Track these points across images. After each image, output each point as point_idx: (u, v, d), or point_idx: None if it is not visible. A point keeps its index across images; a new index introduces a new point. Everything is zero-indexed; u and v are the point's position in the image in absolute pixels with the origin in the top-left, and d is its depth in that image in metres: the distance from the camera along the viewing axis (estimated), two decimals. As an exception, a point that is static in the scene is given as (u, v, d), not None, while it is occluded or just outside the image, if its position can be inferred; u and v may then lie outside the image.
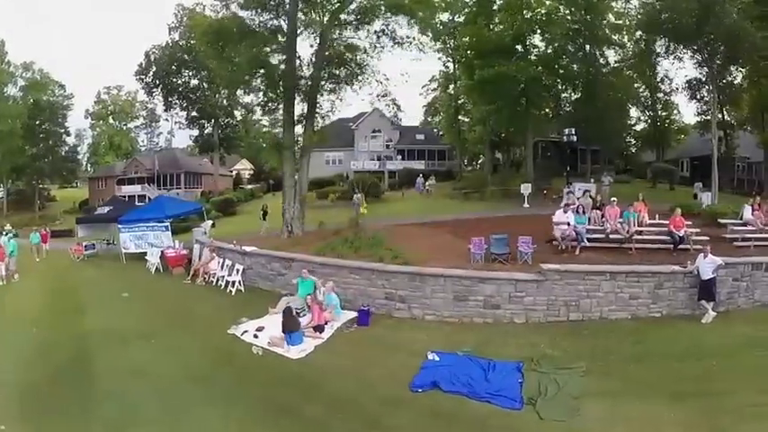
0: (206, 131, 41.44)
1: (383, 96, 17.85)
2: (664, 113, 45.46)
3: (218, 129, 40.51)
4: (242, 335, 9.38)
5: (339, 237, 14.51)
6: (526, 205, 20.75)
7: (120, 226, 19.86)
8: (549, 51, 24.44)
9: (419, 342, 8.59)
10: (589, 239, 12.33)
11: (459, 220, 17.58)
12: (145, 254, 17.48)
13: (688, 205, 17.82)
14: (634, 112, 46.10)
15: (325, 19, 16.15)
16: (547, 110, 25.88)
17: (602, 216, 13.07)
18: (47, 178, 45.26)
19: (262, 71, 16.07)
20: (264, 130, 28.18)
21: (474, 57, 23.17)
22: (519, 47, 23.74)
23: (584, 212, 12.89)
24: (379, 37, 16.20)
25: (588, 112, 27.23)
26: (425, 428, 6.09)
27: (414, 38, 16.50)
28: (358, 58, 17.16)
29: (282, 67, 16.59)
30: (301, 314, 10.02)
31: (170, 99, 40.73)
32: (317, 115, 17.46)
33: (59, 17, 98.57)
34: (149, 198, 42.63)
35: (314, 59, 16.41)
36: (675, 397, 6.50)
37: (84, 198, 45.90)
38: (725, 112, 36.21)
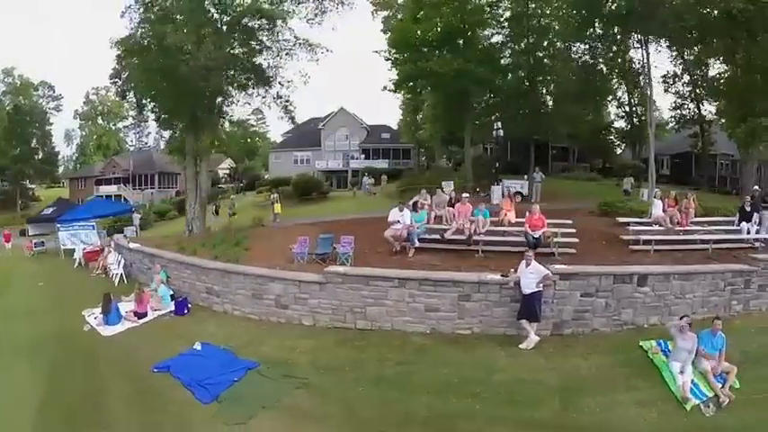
0: (177, 133, 43.41)
1: (278, 99, 18.98)
2: (641, 109, 45.45)
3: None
4: (88, 316, 11.07)
5: (217, 236, 15.92)
6: (447, 204, 21.34)
7: (58, 225, 22.12)
8: (482, 45, 24.76)
9: (208, 334, 9.57)
10: (430, 240, 11.61)
11: (359, 219, 18.27)
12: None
13: (611, 202, 17.06)
14: (613, 109, 46.64)
15: (224, 28, 17.51)
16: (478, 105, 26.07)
17: (454, 215, 12.23)
18: (28, 179, 48.36)
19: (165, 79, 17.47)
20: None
21: (401, 53, 24.00)
22: (460, 40, 24.31)
23: (420, 210, 12.23)
24: (248, 41, 17.43)
25: (533, 107, 27.21)
26: (125, 402, 7.13)
27: (292, 41, 17.75)
28: (260, 63, 18.55)
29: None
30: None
31: (143, 101, 42.79)
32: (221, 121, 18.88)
33: (59, 17, 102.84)
34: (125, 198, 45.24)
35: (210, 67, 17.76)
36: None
37: (65, 198, 48.78)
38: (701, 107, 36.17)
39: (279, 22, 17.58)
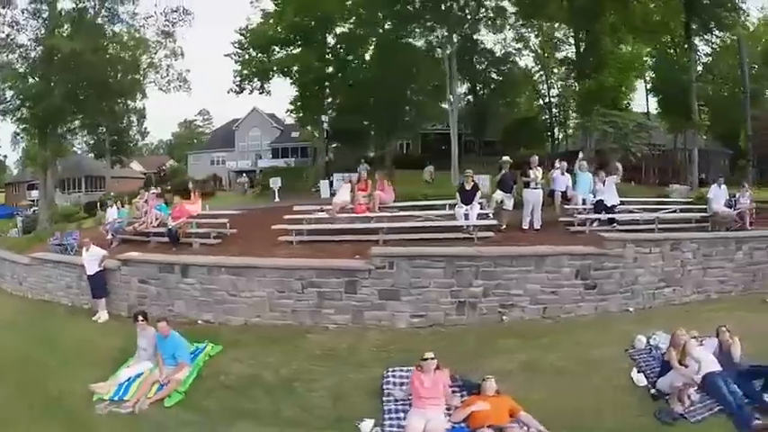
0: (102, 137, 49.26)
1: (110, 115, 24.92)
2: (558, 99, 49.68)
3: (111, 134, 48.18)
4: None
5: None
6: (276, 200, 25.39)
7: (-47, 228, 28.20)
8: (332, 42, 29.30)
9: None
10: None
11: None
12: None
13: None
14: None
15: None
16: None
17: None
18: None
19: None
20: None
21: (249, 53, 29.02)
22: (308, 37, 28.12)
23: (122, 206, 16.05)
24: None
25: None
26: None
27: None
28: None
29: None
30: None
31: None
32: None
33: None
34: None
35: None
36: None
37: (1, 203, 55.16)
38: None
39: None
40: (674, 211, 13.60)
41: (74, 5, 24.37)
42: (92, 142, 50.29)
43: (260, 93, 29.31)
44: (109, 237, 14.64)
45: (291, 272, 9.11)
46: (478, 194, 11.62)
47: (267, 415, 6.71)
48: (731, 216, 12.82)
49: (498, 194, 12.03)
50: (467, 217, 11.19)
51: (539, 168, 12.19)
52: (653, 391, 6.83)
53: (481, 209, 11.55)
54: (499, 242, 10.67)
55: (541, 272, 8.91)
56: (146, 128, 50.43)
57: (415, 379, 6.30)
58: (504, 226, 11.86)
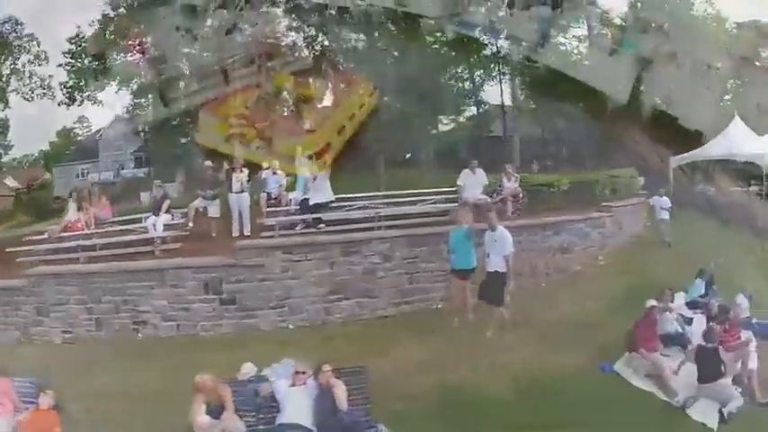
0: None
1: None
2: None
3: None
4: None
5: None
6: (106, 213, 26.77)
7: None
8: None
9: None
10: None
11: None
12: None
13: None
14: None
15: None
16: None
17: None
18: None
19: None
20: None
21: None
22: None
23: None
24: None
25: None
26: None
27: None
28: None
29: None
30: None
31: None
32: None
33: None
34: None
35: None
36: None
37: None
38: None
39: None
40: (434, 203, 11.95)
41: None
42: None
43: (92, 103, 29.42)
44: None
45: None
46: (165, 204, 11.19)
47: None
48: (488, 204, 11.43)
49: (197, 201, 11.59)
50: (155, 227, 10.77)
51: (243, 170, 11.72)
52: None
53: (172, 219, 11.27)
54: (184, 253, 9.98)
55: (166, 287, 8.65)
56: (9, 140, 48.53)
57: None
58: (215, 234, 11.32)
